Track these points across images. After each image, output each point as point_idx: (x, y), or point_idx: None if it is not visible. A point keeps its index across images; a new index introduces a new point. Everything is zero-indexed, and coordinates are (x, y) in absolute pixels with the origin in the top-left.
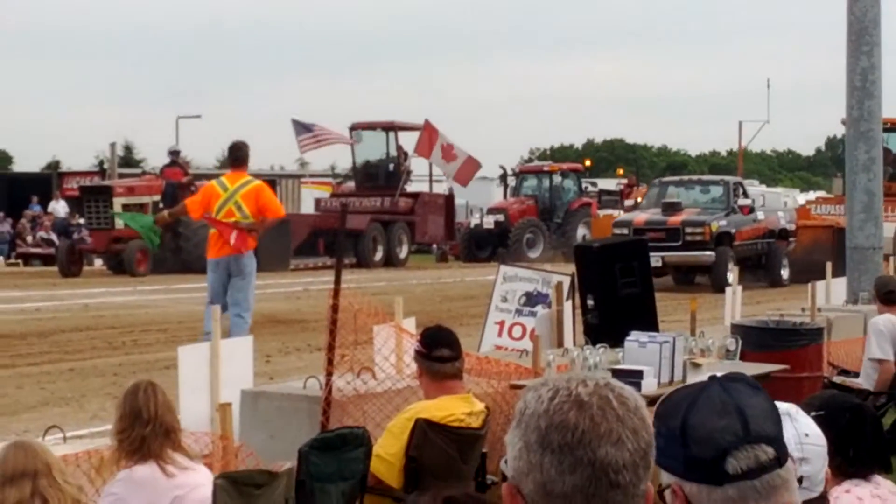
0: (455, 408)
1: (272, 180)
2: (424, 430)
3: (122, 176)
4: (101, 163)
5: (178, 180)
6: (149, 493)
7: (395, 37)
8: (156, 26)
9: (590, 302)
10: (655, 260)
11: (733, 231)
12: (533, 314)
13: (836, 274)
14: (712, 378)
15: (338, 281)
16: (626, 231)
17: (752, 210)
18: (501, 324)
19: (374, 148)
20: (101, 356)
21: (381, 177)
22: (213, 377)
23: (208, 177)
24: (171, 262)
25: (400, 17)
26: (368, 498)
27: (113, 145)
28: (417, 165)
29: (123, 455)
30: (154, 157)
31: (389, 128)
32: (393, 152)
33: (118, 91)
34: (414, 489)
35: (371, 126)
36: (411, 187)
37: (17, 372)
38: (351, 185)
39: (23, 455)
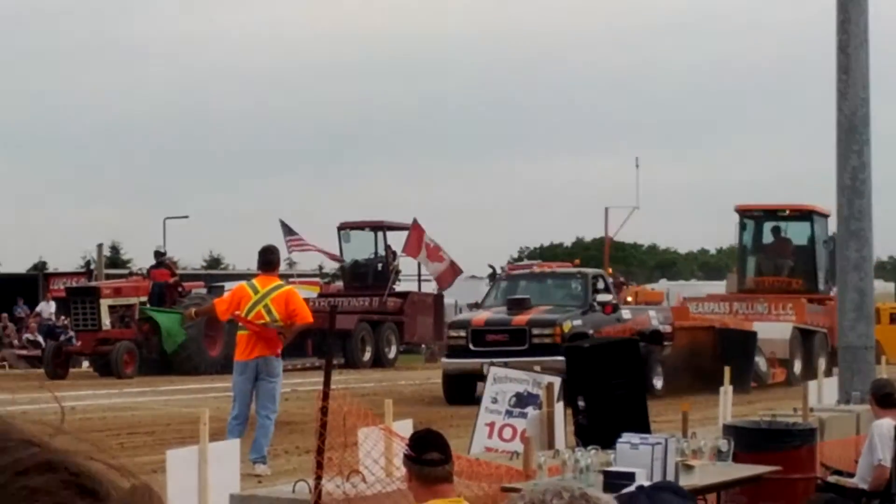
0: None
1: None
2: None
3: (108, 277)
4: (87, 263)
5: (165, 280)
6: None
7: (385, 136)
8: (141, 126)
9: (580, 403)
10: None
11: (591, 332)
12: (523, 415)
13: (720, 379)
14: (640, 488)
15: (327, 383)
16: (462, 333)
17: (615, 308)
18: (492, 425)
19: (362, 247)
20: None
21: (369, 276)
22: (202, 481)
23: (195, 277)
24: (158, 364)
25: (389, 117)
26: None
27: (100, 246)
28: (406, 265)
29: None
30: (141, 258)
31: (377, 227)
32: (381, 252)
33: (104, 191)
34: None
35: (359, 226)
36: (400, 287)
37: None
38: (339, 284)
39: None
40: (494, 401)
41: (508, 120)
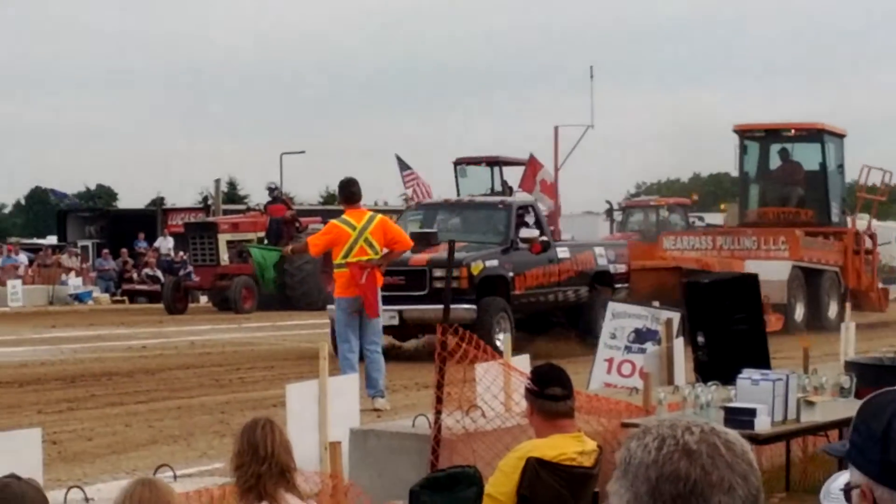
0: (567, 446)
1: None
2: (536, 470)
3: (226, 212)
4: (205, 199)
5: (281, 216)
6: None
7: (501, 71)
8: (257, 61)
9: (700, 339)
10: (391, 316)
11: (510, 275)
12: (642, 351)
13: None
14: None
15: (446, 317)
16: None
17: (546, 246)
18: (610, 361)
19: (478, 183)
20: (208, 394)
21: None
22: (322, 415)
23: (312, 213)
24: (276, 299)
25: (505, 53)
26: None
27: (217, 181)
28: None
29: (238, 491)
30: (258, 194)
31: (494, 162)
32: (497, 187)
33: (222, 126)
34: None
35: (475, 161)
36: None
37: (126, 409)
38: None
39: (148, 493)
40: (613, 336)
41: (617, 51)
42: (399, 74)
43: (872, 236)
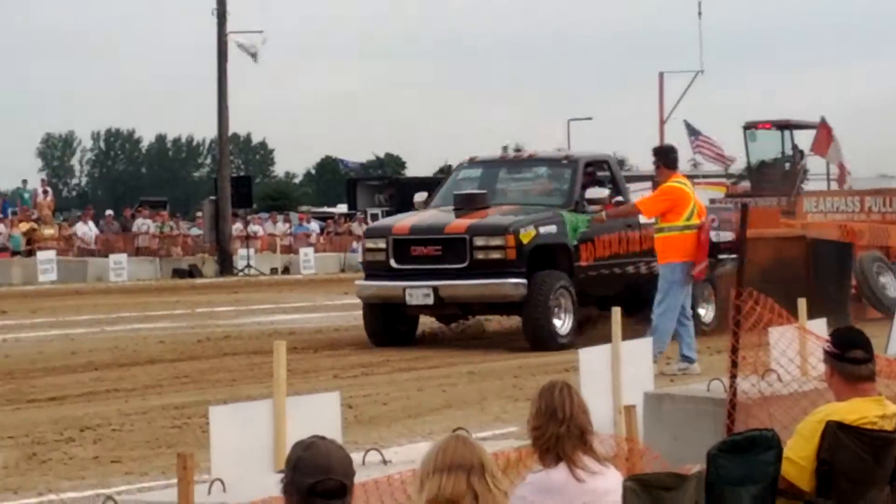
0: (867, 410)
1: None
2: (836, 433)
3: None
4: None
5: None
6: (558, 500)
7: (770, 38)
8: (542, 27)
9: None
10: (425, 293)
11: (573, 243)
12: None
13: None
14: None
15: (740, 282)
16: (381, 244)
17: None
18: None
19: (768, 147)
20: (499, 359)
21: (776, 176)
22: (615, 379)
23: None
24: None
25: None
26: (780, 501)
27: (505, 148)
28: (814, 164)
29: (536, 452)
30: None
31: (784, 126)
32: (788, 151)
33: (508, 93)
34: (827, 493)
35: (765, 125)
36: (808, 186)
37: (418, 374)
38: (746, 185)
39: (463, 448)
40: None
41: None
42: (688, 38)
43: None
